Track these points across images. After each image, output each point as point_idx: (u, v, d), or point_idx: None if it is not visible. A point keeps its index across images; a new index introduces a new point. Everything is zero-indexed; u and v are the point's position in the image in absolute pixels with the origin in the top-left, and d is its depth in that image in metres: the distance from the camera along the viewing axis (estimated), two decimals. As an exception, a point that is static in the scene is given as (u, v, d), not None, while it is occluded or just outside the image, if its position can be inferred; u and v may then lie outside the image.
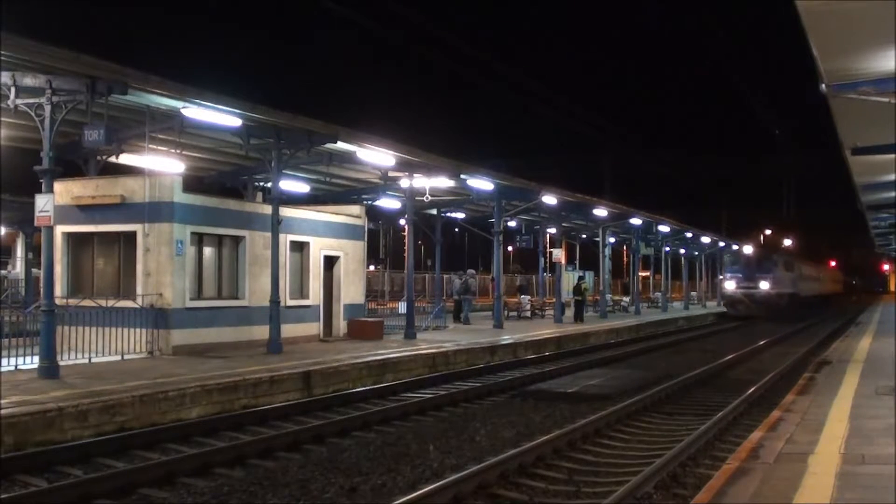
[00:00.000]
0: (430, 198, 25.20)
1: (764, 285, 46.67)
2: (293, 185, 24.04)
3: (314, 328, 21.45)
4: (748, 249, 51.19)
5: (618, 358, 22.61)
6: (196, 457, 9.78)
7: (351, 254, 22.85)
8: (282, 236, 19.08)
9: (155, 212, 17.16)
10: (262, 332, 18.33)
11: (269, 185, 20.23)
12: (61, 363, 13.99)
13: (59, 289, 16.76)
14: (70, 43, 13.50)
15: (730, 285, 48.13)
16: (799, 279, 53.71)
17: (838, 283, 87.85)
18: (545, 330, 27.40)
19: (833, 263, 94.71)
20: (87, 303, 16.91)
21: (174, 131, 17.77)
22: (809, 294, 57.93)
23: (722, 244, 56.40)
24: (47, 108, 13.39)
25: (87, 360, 15.36)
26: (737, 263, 49.39)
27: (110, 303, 16.79)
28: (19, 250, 34.92)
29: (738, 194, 69.97)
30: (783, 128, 68.39)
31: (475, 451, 10.39)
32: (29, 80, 13.54)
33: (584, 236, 47.75)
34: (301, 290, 21.02)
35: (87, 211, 17.69)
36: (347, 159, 21.12)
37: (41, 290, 15.14)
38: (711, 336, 31.97)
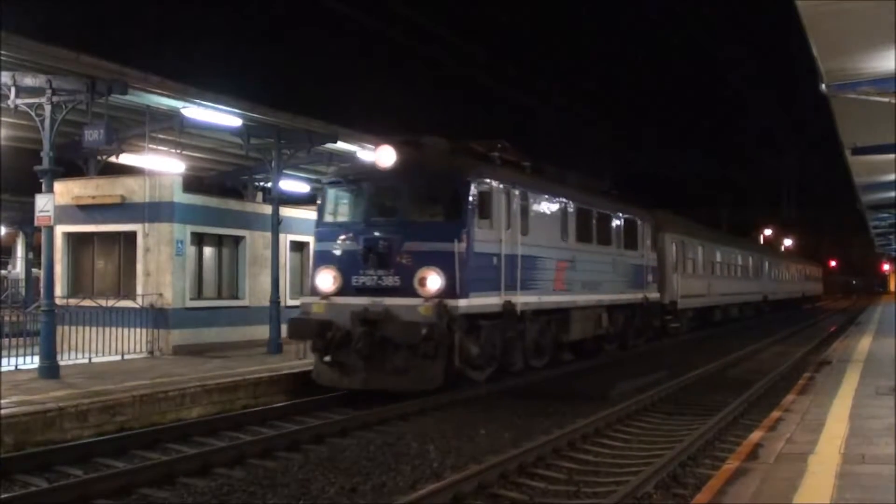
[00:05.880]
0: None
1: (434, 283, 13.40)
2: (293, 185, 24.05)
3: (314, 328, 21.40)
4: (387, 156, 14.20)
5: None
6: (196, 457, 9.78)
7: (351, 254, 22.79)
8: (282, 236, 19.10)
9: (155, 212, 17.18)
10: (262, 331, 18.34)
11: (269, 185, 20.24)
12: (61, 363, 14.00)
13: (59, 289, 16.77)
14: (70, 43, 13.53)
15: (323, 283, 14.03)
16: (686, 269, 27.29)
17: (816, 282, 67.55)
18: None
19: (832, 261, 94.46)
20: (88, 303, 16.93)
21: (174, 131, 17.80)
22: (733, 301, 34.97)
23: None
24: (47, 108, 13.41)
25: (87, 360, 15.37)
26: (353, 214, 14.81)
27: (110, 303, 16.80)
28: (19, 250, 34.90)
29: (739, 194, 69.25)
30: (783, 127, 68.40)
31: (475, 451, 10.38)
32: (29, 80, 13.56)
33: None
34: (301, 290, 21.01)
35: (88, 211, 17.71)
36: (348, 159, 21.12)
37: (41, 289, 15.15)
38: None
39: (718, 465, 8.70)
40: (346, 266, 14.07)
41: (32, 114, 13.59)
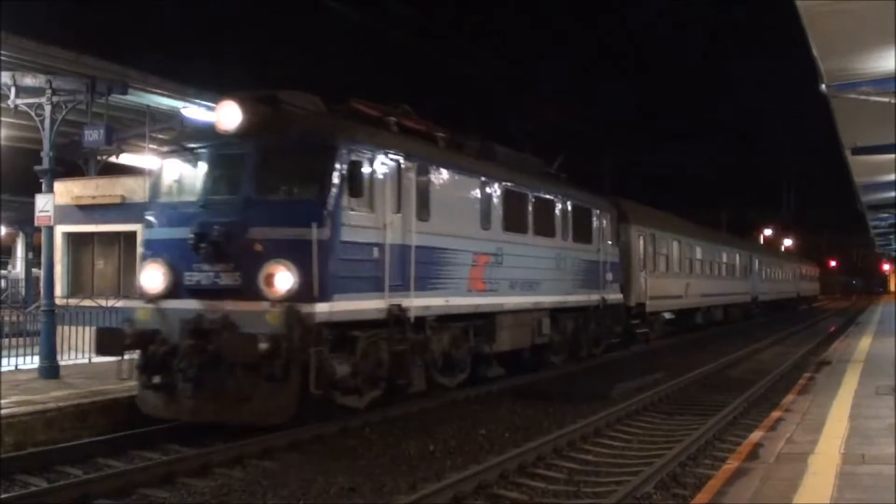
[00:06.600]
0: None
1: (284, 281, 10.29)
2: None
3: (314, 328, 21.36)
4: (230, 116, 10.86)
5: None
6: (196, 457, 9.78)
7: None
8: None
9: (155, 212, 17.15)
10: (262, 331, 18.29)
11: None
12: (61, 363, 14.00)
13: (59, 289, 16.76)
14: (70, 43, 13.56)
15: (150, 282, 10.96)
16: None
17: (812, 282, 64.34)
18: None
19: (832, 261, 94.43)
20: (88, 303, 16.92)
21: (174, 131, 17.79)
22: (716, 302, 32.30)
23: None
24: (47, 108, 13.42)
25: (87, 360, 15.36)
26: (188, 192, 11.54)
27: (110, 303, 16.79)
28: (19, 250, 34.92)
29: (738, 194, 68.99)
30: (782, 126, 68.30)
31: (475, 451, 10.39)
32: (29, 80, 13.58)
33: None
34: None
35: (87, 211, 17.72)
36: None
37: (41, 290, 15.15)
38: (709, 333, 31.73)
39: (718, 465, 8.70)
40: (177, 260, 10.83)
41: (32, 114, 13.60)
